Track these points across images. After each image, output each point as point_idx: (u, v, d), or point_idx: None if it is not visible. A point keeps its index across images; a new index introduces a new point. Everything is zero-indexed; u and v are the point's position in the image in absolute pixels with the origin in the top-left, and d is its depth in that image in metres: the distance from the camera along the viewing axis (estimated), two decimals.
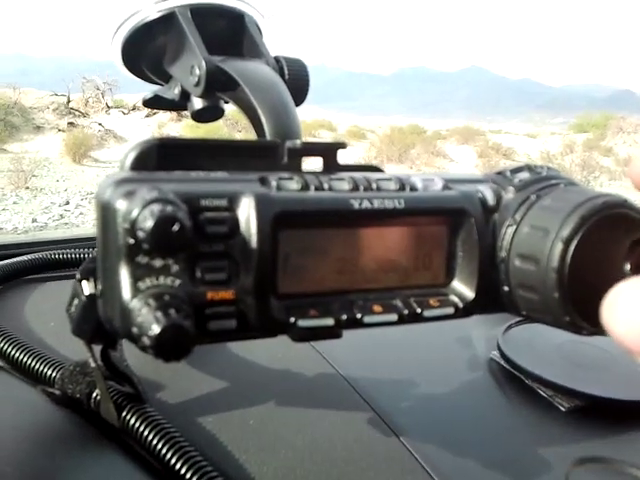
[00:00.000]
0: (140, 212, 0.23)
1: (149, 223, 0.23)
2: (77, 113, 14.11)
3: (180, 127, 13.37)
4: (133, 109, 14.72)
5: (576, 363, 0.53)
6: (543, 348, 0.54)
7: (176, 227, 0.23)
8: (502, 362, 0.53)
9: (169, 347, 0.23)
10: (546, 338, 0.56)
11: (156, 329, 0.23)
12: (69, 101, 14.24)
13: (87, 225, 7.36)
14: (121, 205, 0.24)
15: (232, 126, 11.99)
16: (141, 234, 0.23)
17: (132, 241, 0.24)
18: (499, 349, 0.54)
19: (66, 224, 7.36)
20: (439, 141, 16.35)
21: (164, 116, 13.90)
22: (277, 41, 0.46)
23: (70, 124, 13.32)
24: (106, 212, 0.25)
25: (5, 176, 9.38)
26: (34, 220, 7.33)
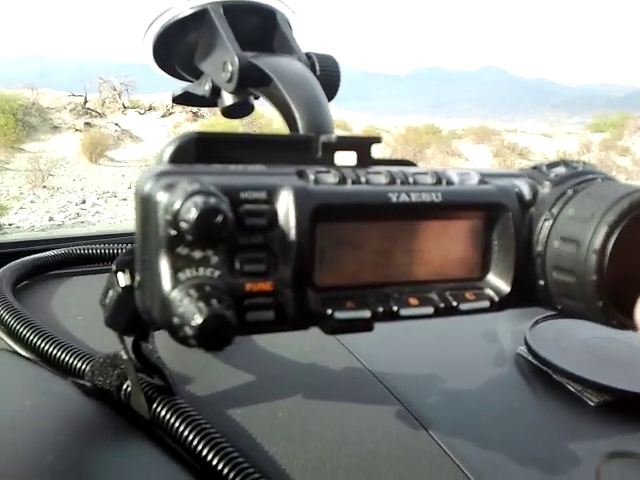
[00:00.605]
0: (183, 204, 0.24)
1: (193, 214, 0.23)
2: (94, 113, 14.21)
3: (196, 127, 13.43)
4: (149, 109, 14.80)
5: (603, 358, 0.53)
6: (570, 343, 0.54)
7: (219, 218, 0.24)
8: (529, 357, 0.53)
9: (211, 337, 0.24)
10: (573, 333, 0.56)
11: (199, 319, 0.23)
12: (86, 101, 14.34)
13: (103, 223, 7.41)
14: (162, 197, 0.25)
15: (248, 125, 12.02)
16: (184, 225, 0.24)
17: (174, 232, 0.24)
18: (526, 344, 0.54)
19: (82, 222, 7.42)
20: (454, 141, 16.29)
21: (180, 116, 13.96)
22: (303, 38, 0.46)
23: (87, 124, 13.42)
24: (146, 204, 0.25)
25: (23, 175, 9.48)
26: (51, 219, 7.40)
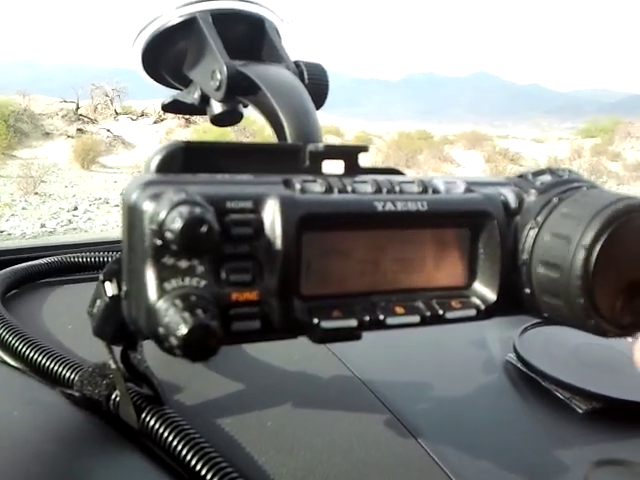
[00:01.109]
0: (168, 214, 0.24)
1: (177, 224, 0.23)
2: (86, 119, 14.19)
3: (188, 133, 13.42)
4: (142, 115, 14.79)
5: (593, 365, 0.53)
6: (559, 350, 0.55)
7: (204, 228, 0.24)
8: (518, 364, 0.54)
9: (196, 347, 0.24)
10: (562, 340, 0.56)
11: (184, 329, 0.23)
12: (78, 108, 14.32)
13: (95, 230, 7.39)
14: (148, 207, 0.25)
15: (240, 132, 12.02)
16: (169, 235, 0.24)
17: (159, 242, 0.24)
18: (515, 351, 0.54)
19: (74, 229, 7.39)
20: (446, 146, 16.35)
21: (172, 122, 13.96)
22: (293, 46, 0.46)
23: (79, 130, 13.40)
24: (133, 214, 0.25)
25: (14, 182, 9.44)
26: (42, 225, 7.37)
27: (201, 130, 12.46)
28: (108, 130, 13.61)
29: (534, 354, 0.53)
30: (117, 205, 8.66)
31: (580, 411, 0.47)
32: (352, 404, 0.47)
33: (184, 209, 0.23)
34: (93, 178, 11.13)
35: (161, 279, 0.25)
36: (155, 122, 14.34)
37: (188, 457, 0.37)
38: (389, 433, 0.44)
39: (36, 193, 9.13)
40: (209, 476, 0.36)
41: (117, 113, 14.82)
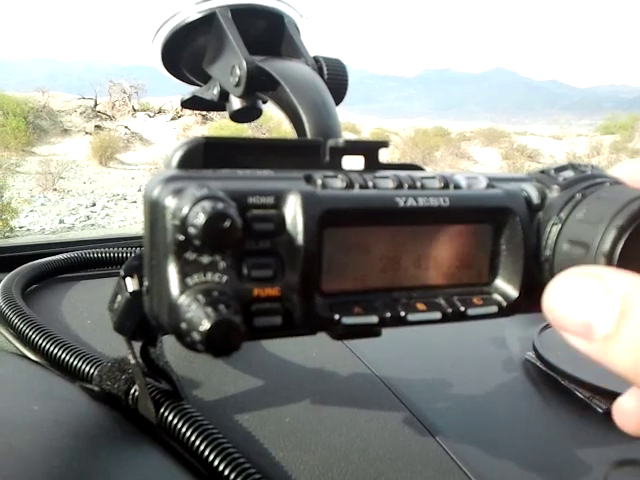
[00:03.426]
0: (191, 209, 0.24)
1: (201, 219, 0.23)
2: (104, 116, 14.30)
3: (205, 130, 13.47)
4: (159, 112, 14.87)
5: None
6: None
7: (227, 223, 0.23)
8: (538, 363, 0.53)
9: (219, 342, 0.24)
10: None
11: (207, 324, 0.23)
12: (96, 104, 14.43)
13: (113, 226, 7.45)
14: (171, 202, 0.24)
15: (256, 128, 12.04)
16: (192, 230, 0.24)
17: (182, 237, 0.24)
18: (535, 350, 0.54)
19: (92, 225, 7.46)
20: (463, 143, 16.27)
21: (189, 119, 14.02)
22: (312, 41, 0.46)
23: (97, 127, 13.51)
24: (155, 209, 0.25)
25: (33, 178, 9.54)
26: (61, 221, 7.45)
27: (218, 127, 12.50)
28: (126, 127, 13.70)
29: (554, 353, 0.52)
30: (134, 202, 8.72)
31: (600, 411, 0.47)
32: (370, 401, 0.47)
33: (207, 204, 0.23)
34: (111, 174, 11.22)
35: (183, 274, 0.25)
36: (172, 119, 14.42)
37: (206, 452, 0.37)
38: (407, 431, 0.44)
39: (55, 189, 9.23)
40: (227, 472, 0.36)
41: (135, 110, 14.92)
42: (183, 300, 0.24)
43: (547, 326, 0.57)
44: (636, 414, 0.29)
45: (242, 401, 0.46)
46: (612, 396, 0.47)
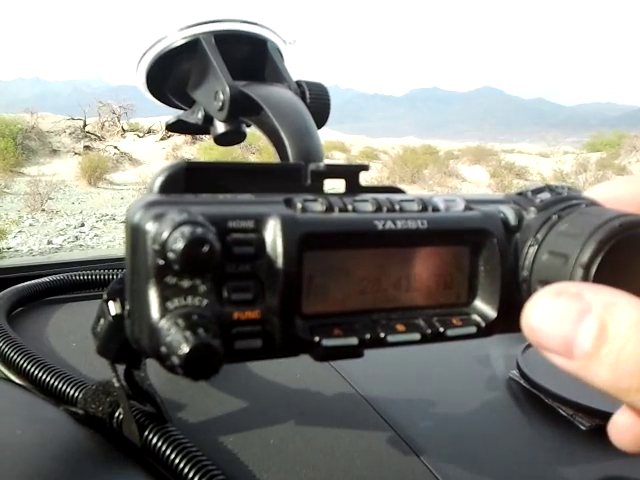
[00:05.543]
0: (170, 234, 0.24)
1: (180, 244, 0.24)
2: (93, 137, 14.31)
3: (195, 150, 13.49)
4: (148, 132, 14.90)
5: None
6: None
7: (206, 248, 0.24)
8: (521, 381, 0.53)
9: (198, 366, 0.24)
10: None
11: (185, 348, 0.23)
12: (85, 125, 14.44)
13: (102, 247, 7.42)
14: (151, 227, 0.25)
15: (246, 148, 12.08)
16: (171, 255, 0.24)
17: (162, 262, 0.24)
18: (518, 368, 0.54)
19: (81, 246, 7.42)
20: (452, 161, 16.38)
21: (178, 139, 14.05)
22: (299, 63, 0.47)
23: (86, 147, 13.51)
24: (136, 234, 0.26)
25: (22, 199, 9.50)
26: (49, 242, 7.40)
27: (207, 147, 12.54)
28: (115, 147, 13.70)
29: (537, 371, 0.53)
30: (124, 222, 8.70)
31: (583, 428, 0.47)
32: (354, 421, 0.47)
33: (186, 229, 0.24)
34: (100, 194, 11.19)
35: (163, 298, 0.25)
36: (162, 139, 14.44)
37: (190, 475, 0.37)
38: (391, 450, 0.44)
39: (43, 210, 9.18)
40: None
41: (124, 130, 14.94)
42: (163, 324, 0.25)
43: (530, 345, 0.58)
44: (630, 430, 0.30)
45: (227, 423, 0.46)
46: (595, 414, 0.48)
